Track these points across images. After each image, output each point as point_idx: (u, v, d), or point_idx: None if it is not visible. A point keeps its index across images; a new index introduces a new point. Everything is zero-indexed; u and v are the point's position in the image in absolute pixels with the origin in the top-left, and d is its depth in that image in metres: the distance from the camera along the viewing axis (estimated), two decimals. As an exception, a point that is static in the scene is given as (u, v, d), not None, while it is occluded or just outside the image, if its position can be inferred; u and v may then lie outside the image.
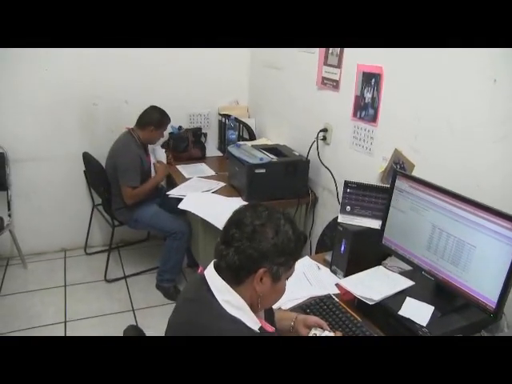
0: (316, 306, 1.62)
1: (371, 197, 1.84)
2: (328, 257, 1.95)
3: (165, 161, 3.27)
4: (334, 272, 1.86)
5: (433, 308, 1.51)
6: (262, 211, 1.13)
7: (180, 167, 3.25)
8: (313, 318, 1.43)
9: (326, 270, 1.89)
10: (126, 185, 2.93)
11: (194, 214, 2.58)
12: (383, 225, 1.76)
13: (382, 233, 1.77)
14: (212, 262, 1.19)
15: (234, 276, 1.12)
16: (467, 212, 1.43)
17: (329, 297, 1.67)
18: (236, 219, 1.14)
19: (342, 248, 1.81)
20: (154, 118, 3.01)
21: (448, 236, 1.51)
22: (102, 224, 3.60)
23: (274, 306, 1.35)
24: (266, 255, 1.10)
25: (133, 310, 2.92)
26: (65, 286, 3.20)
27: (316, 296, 1.70)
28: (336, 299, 1.66)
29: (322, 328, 1.38)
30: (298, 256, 1.18)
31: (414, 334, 1.42)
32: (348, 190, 1.86)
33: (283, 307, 1.62)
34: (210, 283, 1.14)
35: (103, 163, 3.13)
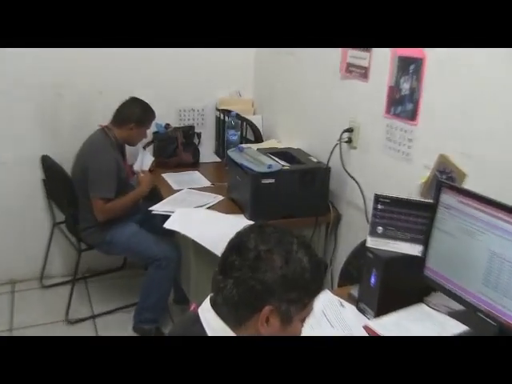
0: (339, 355, 1.59)
1: (409, 215, 1.81)
2: (354, 291, 1.92)
3: (148, 168, 3.26)
4: (362, 311, 1.83)
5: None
6: (270, 233, 1.12)
7: (166, 176, 3.25)
8: None
9: (351, 308, 1.86)
10: (98, 196, 2.90)
11: (183, 236, 2.56)
12: (425, 251, 1.74)
13: (424, 261, 1.74)
14: (208, 297, 1.17)
15: (234, 314, 1.11)
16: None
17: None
18: (237, 243, 1.13)
19: (372, 280, 1.78)
20: (134, 113, 3.01)
21: None
22: (65, 248, 3.58)
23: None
24: (273, 289, 1.08)
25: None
26: (11, 329, 3.14)
27: (339, 342, 1.67)
28: (365, 346, 1.63)
29: None
30: (317, 291, 1.16)
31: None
32: (379, 206, 1.84)
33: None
34: (203, 323, 1.13)
35: (68, 170, 3.12)
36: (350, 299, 1.92)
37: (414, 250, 1.79)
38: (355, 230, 2.63)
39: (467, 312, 1.66)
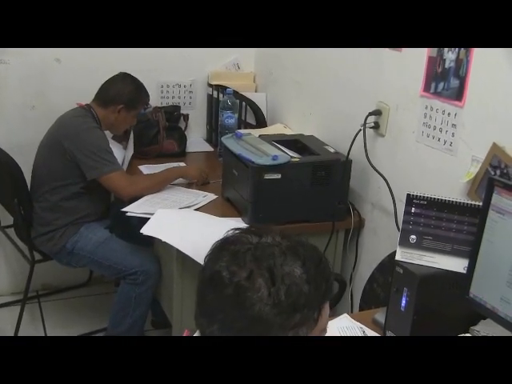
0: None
1: (452, 221, 1.80)
2: (380, 316, 1.92)
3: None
4: (390, 342, 1.82)
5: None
6: (244, 250, 1.09)
7: (144, 169, 3.26)
8: None
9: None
10: (110, 171, 2.87)
11: (164, 245, 2.55)
12: (471, 267, 1.72)
13: (470, 280, 1.73)
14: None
15: None
16: None
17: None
18: (209, 275, 1.11)
19: (403, 303, 1.77)
20: (126, 93, 3.00)
21: None
22: (13, 259, 3.56)
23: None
24: (269, 323, 1.05)
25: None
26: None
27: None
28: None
29: None
30: (326, 297, 1.14)
31: None
32: (413, 210, 1.83)
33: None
34: None
35: (20, 160, 3.09)
36: (375, 326, 1.92)
37: (458, 265, 1.78)
38: (382, 240, 2.64)
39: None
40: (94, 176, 2.87)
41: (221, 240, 1.16)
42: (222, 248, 1.12)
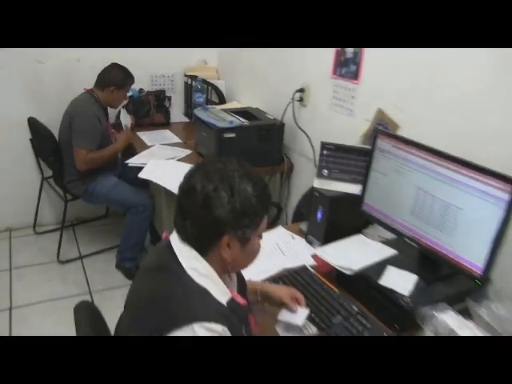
0: (290, 277, 1.63)
1: (350, 159, 1.84)
2: (304, 226, 1.95)
3: (129, 126, 3.21)
4: (310, 242, 1.86)
5: (416, 277, 1.53)
6: (213, 172, 1.09)
7: (141, 134, 3.20)
8: (280, 292, 1.42)
9: (301, 241, 1.89)
10: (80, 146, 2.84)
11: (156, 186, 2.54)
12: (363, 189, 1.76)
13: (363, 198, 1.77)
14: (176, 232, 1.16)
15: (198, 246, 1.10)
16: (454, 172, 1.44)
17: (304, 268, 1.68)
18: (186, 187, 1.10)
19: (319, 216, 1.81)
20: (115, 77, 2.93)
21: (433, 199, 1.52)
22: (54, 199, 3.53)
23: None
24: (226, 222, 1.06)
25: (90, 293, 2.88)
26: (10, 269, 3.12)
27: (290, 268, 1.70)
28: (312, 270, 1.66)
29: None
30: (266, 209, 1.15)
31: (395, 305, 1.44)
32: (325, 152, 1.86)
33: (253, 279, 1.60)
34: (175, 249, 1.12)
35: (54, 130, 3.04)
36: (301, 233, 1.95)
37: (355, 189, 1.81)
38: (305, 178, 2.65)
39: (397, 240, 1.70)
40: (73, 144, 2.86)
41: (196, 164, 1.15)
42: (197, 169, 1.11)
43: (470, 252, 1.43)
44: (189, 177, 1.11)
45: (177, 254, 1.11)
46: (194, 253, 1.10)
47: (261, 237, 1.17)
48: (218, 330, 1.02)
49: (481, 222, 1.39)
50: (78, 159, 2.87)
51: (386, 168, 1.67)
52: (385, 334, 1.39)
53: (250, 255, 1.18)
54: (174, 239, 1.14)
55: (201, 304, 1.05)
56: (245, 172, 1.10)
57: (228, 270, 1.15)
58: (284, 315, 1.39)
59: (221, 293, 1.11)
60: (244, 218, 1.08)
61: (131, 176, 2.87)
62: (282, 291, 1.43)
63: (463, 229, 1.44)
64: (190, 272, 1.08)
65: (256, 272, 1.63)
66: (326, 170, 1.85)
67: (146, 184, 2.94)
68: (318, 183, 1.84)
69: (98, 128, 2.89)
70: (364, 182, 1.76)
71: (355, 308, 1.47)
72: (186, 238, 1.11)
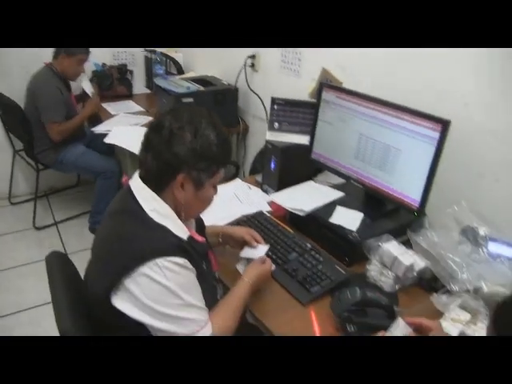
0: (248, 222, 1.56)
1: (299, 112, 1.76)
2: (259, 178, 1.88)
3: (90, 93, 3.00)
4: (266, 191, 1.79)
5: (362, 215, 1.49)
6: (182, 113, 1.04)
7: (105, 105, 3.01)
8: (239, 231, 1.36)
9: (257, 190, 1.82)
10: (51, 121, 2.66)
11: (122, 151, 2.42)
12: (312, 139, 1.70)
13: (311, 147, 1.71)
14: (137, 172, 1.09)
15: (155, 183, 1.04)
16: (391, 116, 1.41)
17: (260, 213, 1.61)
18: (155, 124, 1.05)
19: (272, 166, 1.74)
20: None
21: (374, 142, 1.47)
22: (26, 170, 3.29)
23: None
24: (184, 160, 1.01)
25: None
26: (-11, 236, 2.94)
27: (247, 214, 1.62)
28: (268, 215, 1.60)
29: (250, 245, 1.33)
30: (223, 161, 1.09)
31: (344, 240, 1.40)
32: (275, 107, 1.78)
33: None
34: (135, 193, 1.05)
35: (20, 103, 2.81)
36: (256, 184, 1.88)
37: (304, 139, 1.75)
38: (260, 138, 2.53)
39: (344, 184, 1.66)
40: (43, 120, 2.67)
41: (170, 108, 1.11)
42: (170, 111, 1.06)
43: (409, 188, 1.41)
44: (160, 116, 1.06)
45: (137, 197, 1.04)
46: (152, 193, 1.04)
47: (215, 188, 1.11)
48: (179, 262, 0.98)
49: (416, 160, 1.36)
50: (51, 133, 2.68)
51: (331, 118, 1.61)
52: (336, 267, 1.35)
53: (203, 202, 1.11)
54: (134, 183, 1.07)
55: (162, 240, 1.00)
56: (212, 121, 1.05)
57: (180, 212, 1.07)
58: (246, 252, 1.32)
59: (180, 230, 1.05)
60: (201, 161, 1.02)
61: (99, 145, 2.71)
62: (241, 230, 1.37)
63: (402, 167, 1.41)
64: (150, 213, 1.03)
65: (216, 218, 1.57)
66: (276, 123, 1.77)
67: (112, 151, 2.80)
68: (270, 135, 1.76)
69: (61, 99, 2.69)
70: (312, 132, 1.69)
71: (308, 245, 1.42)
72: (145, 174, 1.05)
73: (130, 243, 0.99)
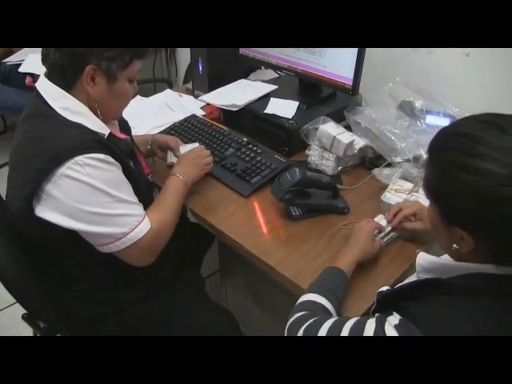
0: (180, 126, 1.45)
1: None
2: (190, 85, 1.74)
3: None
4: (197, 96, 1.66)
5: (297, 103, 1.42)
6: None
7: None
8: (164, 138, 1.28)
9: (189, 97, 1.69)
10: None
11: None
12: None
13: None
14: (42, 73, 0.95)
15: (63, 79, 0.91)
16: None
17: (193, 116, 1.49)
18: None
19: (200, 68, 1.60)
20: None
21: (302, 24, 1.37)
22: None
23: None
24: (90, 48, 0.88)
25: None
26: None
27: (180, 120, 1.51)
28: (201, 117, 1.50)
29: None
30: (136, 54, 0.95)
31: (281, 129, 1.33)
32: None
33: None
34: (42, 93, 0.92)
35: None
36: (188, 92, 1.75)
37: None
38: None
39: (277, 78, 1.58)
40: None
41: None
42: None
43: (341, 67, 1.33)
44: None
45: (45, 97, 0.91)
46: (61, 91, 0.91)
47: (132, 82, 0.99)
48: (101, 157, 0.88)
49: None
50: None
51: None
52: (276, 156, 1.28)
53: (119, 98, 0.99)
54: (40, 83, 0.94)
55: (78, 137, 0.88)
56: None
57: (96, 109, 0.95)
58: (172, 157, 1.25)
59: (98, 126, 0.94)
60: (109, 49, 0.89)
61: (16, 81, 2.46)
62: (167, 137, 1.29)
63: (331, 48, 1.33)
64: (61, 112, 0.91)
65: (147, 127, 1.47)
66: (199, 21, 1.61)
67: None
68: (194, 35, 1.61)
69: None
70: (237, 25, 1.56)
71: (245, 139, 1.34)
72: (50, 71, 0.92)
73: (43, 145, 0.87)
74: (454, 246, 0.65)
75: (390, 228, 1.05)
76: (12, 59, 2.30)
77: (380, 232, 1.03)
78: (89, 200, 0.87)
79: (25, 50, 2.43)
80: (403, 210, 1.04)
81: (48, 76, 0.93)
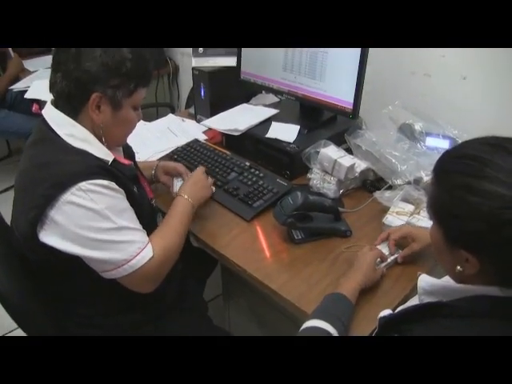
0: (183, 151, 1.47)
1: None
2: (192, 110, 1.77)
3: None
4: (199, 121, 1.68)
5: (299, 126, 1.43)
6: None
7: (24, 62, 2.75)
8: (172, 164, 1.28)
9: (191, 122, 1.71)
10: None
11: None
12: (238, 59, 1.60)
13: (239, 67, 1.61)
14: (49, 100, 0.97)
15: (68, 106, 0.93)
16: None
17: (195, 141, 1.51)
18: None
19: (202, 93, 1.63)
20: None
21: (301, 50, 1.40)
22: None
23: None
24: (96, 77, 0.90)
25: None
26: None
27: (183, 144, 1.53)
28: (204, 142, 1.51)
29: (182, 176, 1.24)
30: (141, 78, 0.97)
31: (283, 153, 1.34)
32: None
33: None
34: (48, 120, 0.94)
35: None
36: (190, 116, 1.77)
37: (231, 61, 1.64)
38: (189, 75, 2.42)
39: (278, 102, 1.60)
40: None
41: None
42: None
43: (341, 91, 1.35)
44: None
45: (51, 124, 0.93)
46: (67, 119, 0.93)
47: (136, 110, 1.00)
48: (104, 183, 0.89)
49: (344, 60, 1.30)
50: None
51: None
52: (278, 180, 1.29)
53: (124, 125, 1.00)
54: (46, 111, 0.96)
55: (82, 164, 0.90)
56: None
57: (101, 136, 0.96)
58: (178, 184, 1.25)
59: (102, 153, 0.95)
60: (115, 77, 0.91)
61: (22, 107, 2.49)
62: (175, 163, 1.29)
63: (331, 71, 1.36)
64: (66, 139, 0.92)
65: (150, 152, 1.48)
66: (201, 48, 1.65)
67: (39, 113, 2.59)
68: (196, 62, 1.64)
69: None
70: (238, 52, 1.59)
71: (247, 163, 1.35)
72: (57, 98, 0.94)
73: (49, 170, 0.89)
74: (458, 267, 0.65)
75: (392, 258, 1.05)
76: (18, 86, 2.35)
77: (382, 261, 1.03)
78: (91, 226, 0.88)
79: (30, 76, 2.49)
80: (391, 235, 1.06)
81: (55, 104, 0.95)
